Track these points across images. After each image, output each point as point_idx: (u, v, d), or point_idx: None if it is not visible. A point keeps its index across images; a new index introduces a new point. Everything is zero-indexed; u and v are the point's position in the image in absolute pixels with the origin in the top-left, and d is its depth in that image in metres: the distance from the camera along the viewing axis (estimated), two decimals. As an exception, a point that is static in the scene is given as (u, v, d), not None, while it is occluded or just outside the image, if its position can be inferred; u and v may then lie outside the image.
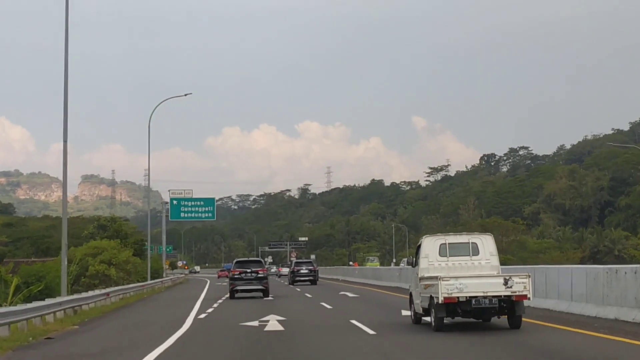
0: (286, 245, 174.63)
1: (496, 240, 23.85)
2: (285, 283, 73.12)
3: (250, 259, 49.93)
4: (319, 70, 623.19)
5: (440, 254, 22.56)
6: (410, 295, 24.09)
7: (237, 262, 44.01)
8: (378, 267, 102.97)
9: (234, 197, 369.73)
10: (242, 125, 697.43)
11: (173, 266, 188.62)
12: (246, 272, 41.40)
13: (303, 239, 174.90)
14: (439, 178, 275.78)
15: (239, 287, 41.61)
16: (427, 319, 22.09)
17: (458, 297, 20.20)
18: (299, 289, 54.62)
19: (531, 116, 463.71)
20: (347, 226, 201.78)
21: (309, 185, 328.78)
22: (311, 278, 68.67)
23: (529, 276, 20.79)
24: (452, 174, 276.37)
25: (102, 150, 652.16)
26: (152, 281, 63.74)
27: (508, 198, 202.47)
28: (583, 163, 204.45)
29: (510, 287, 20.31)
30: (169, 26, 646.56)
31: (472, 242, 22.78)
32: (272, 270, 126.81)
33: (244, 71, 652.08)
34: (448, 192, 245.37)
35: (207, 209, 78.32)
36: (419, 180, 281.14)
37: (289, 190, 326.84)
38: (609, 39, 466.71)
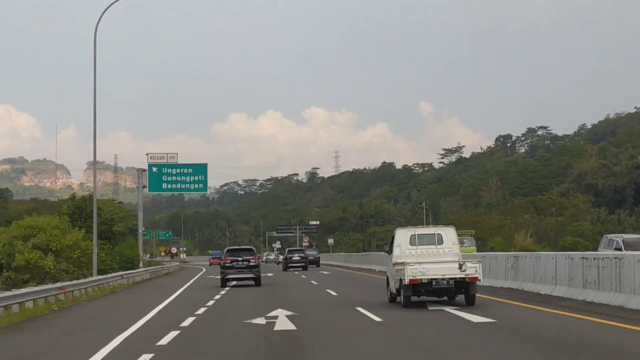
0: (295, 229, 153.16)
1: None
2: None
3: (242, 247, 45.32)
4: (325, 56, 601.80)
5: (410, 244, 24.60)
6: (387, 278, 26.40)
7: (228, 251, 40.97)
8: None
9: (240, 182, 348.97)
10: (249, 112, 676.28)
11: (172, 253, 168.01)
12: (237, 261, 38.54)
13: (314, 222, 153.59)
14: (454, 160, 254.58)
15: (230, 276, 38.97)
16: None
17: (421, 279, 22.60)
18: (365, 312, 30.15)
19: (543, 98, 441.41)
20: (360, 209, 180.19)
21: (317, 169, 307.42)
22: (302, 264, 70.71)
23: (480, 262, 23.32)
24: (467, 156, 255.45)
25: (109, 137, 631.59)
26: (106, 276, 41.89)
27: (533, 178, 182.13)
28: (613, 141, 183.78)
29: (464, 270, 22.72)
30: (175, 16, 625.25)
31: (437, 233, 24.84)
32: (271, 257, 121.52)
33: (249, 57, 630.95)
34: (464, 174, 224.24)
35: (196, 178, 57.23)
36: (432, 163, 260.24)
37: (296, 175, 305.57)
38: (630, 15, 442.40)
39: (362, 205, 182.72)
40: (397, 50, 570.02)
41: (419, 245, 24.51)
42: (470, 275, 22.62)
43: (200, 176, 56.94)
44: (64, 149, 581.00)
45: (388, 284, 25.94)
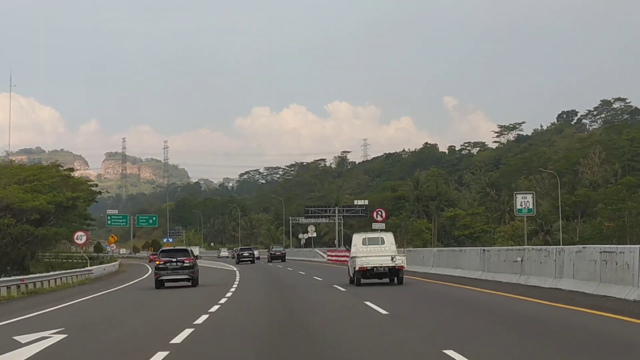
0: (333, 212, 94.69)
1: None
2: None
3: (177, 247, 42.96)
4: (348, 50, 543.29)
5: (362, 244, 31.48)
6: (348, 267, 33.23)
7: (162, 252, 36.97)
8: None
9: (261, 170, 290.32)
10: (272, 105, 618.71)
11: (155, 246, 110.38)
12: (171, 262, 34.47)
13: (361, 202, 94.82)
14: (512, 138, 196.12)
15: (164, 277, 34.58)
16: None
17: (366, 267, 30.01)
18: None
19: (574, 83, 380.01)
20: (417, 189, 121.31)
21: (348, 152, 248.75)
22: (250, 259, 78.08)
23: (405, 255, 32.07)
24: (528, 133, 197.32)
25: (131, 130, 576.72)
26: None
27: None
28: None
29: (395, 261, 30.02)
30: (198, 9, 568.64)
31: (381, 237, 31.83)
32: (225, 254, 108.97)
33: (272, 50, 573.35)
34: (528, 153, 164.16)
35: None
36: (485, 142, 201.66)
37: (323, 160, 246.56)
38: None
39: (420, 183, 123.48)
40: (421, 43, 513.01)
41: (368, 245, 31.28)
42: (398, 264, 30.01)
43: None
44: (86, 142, 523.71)
45: (349, 271, 32.58)
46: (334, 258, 71.74)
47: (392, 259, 29.92)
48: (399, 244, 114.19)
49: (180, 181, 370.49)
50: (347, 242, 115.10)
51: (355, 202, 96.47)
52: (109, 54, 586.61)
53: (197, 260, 37.78)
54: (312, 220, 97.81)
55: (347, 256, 73.86)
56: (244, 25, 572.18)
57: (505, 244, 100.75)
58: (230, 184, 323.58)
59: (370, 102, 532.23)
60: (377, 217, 49.01)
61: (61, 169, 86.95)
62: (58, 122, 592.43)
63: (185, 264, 34.40)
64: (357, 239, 31.94)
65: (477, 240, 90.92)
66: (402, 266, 30.10)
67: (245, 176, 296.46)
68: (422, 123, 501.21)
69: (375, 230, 40.99)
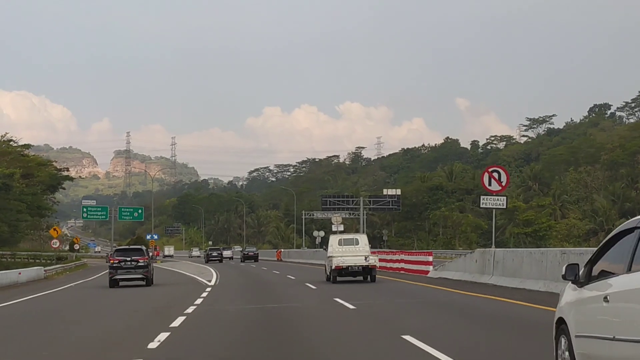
0: (356, 204, 73.92)
1: None
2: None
3: (131, 247, 39.44)
4: (360, 50, 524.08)
5: (338, 244, 32.27)
6: (325, 266, 33.87)
7: (117, 250, 35.87)
8: None
9: (271, 168, 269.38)
10: (283, 106, 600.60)
11: (139, 243, 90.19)
12: (126, 261, 33.00)
13: (393, 192, 74.10)
14: (542, 132, 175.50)
15: (118, 277, 33.15)
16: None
17: (342, 266, 31.12)
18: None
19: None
20: (450, 180, 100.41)
21: (362, 148, 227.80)
22: (219, 259, 79.06)
23: (377, 255, 34.73)
24: (559, 127, 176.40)
25: (142, 130, 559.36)
26: None
27: None
28: None
29: (368, 261, 31.10)
30: (209, 9, 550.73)
31: (355, 238, 32.87)
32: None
33: (283, 50, 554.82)
34: (575, 142, 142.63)
35: None
36: (512, 136, 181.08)
37: (337, 157, 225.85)
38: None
39: (454, 173, 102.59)
40: (434, 43, 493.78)
41: (344, 245, 32.07)
42: (371, 264, 31.14)
43: None
44: (97, 140, 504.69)
45: (326, 270, 33.32)
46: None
47: (365, 258, 31.11)
48: (440, 243, 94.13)
49: (189, 180, 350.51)
50: (371, 241, 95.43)
51: (385, 191, 75.96)
52: (122, 53, 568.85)
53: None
54: (333, 211, 77.03)
55: (401, 260, 56.33)
56: (256, 26, 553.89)
57: (559, 245, 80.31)
58: (240, 183, 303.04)
59: (382, 102, 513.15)
60: (490, 184, 26.71)
61: (14, 144, 66.75)
62: (70, 120, 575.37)
63: (139, 264, 33.11)
64: (333, 240, 33.03)
65: (542, 239, 70.26)
66: (375, 265, 31.60)
67: (255, 174, 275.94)
68: (435, 124, 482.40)
69: (350, 233, 38.72)
